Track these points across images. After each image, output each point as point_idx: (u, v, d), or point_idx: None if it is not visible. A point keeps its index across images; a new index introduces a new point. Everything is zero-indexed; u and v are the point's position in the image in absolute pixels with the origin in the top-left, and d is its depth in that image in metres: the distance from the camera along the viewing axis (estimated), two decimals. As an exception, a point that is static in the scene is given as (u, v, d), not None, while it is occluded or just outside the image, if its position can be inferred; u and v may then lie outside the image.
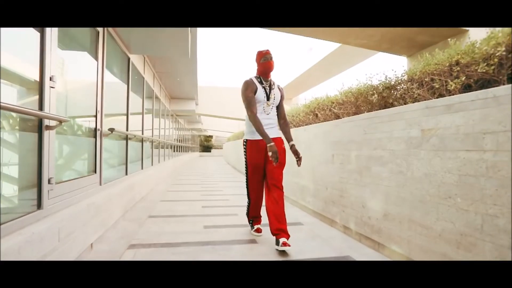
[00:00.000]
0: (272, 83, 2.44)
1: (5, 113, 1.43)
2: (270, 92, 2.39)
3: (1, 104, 1.20)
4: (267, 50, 2.37)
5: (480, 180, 1.36)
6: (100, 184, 2.74)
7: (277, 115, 2.50)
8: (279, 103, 2.49)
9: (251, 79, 2.39)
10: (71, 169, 2.41)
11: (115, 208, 2.86)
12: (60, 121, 1.74)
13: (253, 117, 2.27)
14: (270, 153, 2.19)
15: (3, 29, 1.32)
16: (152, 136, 6.08)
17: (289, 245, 2.07)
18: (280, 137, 2.47)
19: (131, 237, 2.46)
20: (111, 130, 2.93)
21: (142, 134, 5.05)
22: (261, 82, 2.38)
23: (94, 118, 2.68)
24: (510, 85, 1.28)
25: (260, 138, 2.31)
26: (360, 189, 2.37)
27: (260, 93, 2.34)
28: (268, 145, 2.20)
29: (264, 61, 2.35)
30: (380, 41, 7.87)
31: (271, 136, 2.33)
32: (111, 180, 3.14)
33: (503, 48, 1.46)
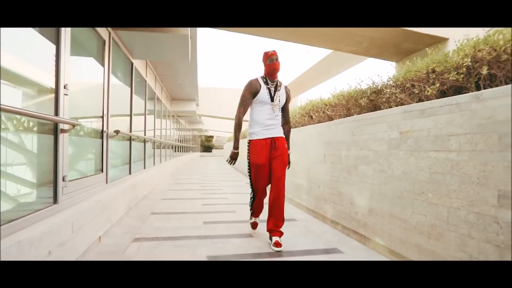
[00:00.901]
0: (278, 84, 2.43)
1: (26, 119, 1.62)
2: (275, 93, 2.39)
3: (25, 111, 1.38)
4: (273, 51, 2.35)
5: (446, 177, 1.53)
6: (107, 183, 2.92)
7: (282, 117, 2.51)
8: (284, 105, 2.49)
9: (256, 79, 2.41)
10: (81, 168, 2.59)
11: (119, 206, 3.04)
12: (73, 125, 1.93)
13: (237, 118, 2.43)
14: (228, 158, 2.45)
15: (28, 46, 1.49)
16: (154, 137, 6.27)
17: (281, 245, 2.21)
18: (283, 137, 2.47)
19: (135, 232, 2.64)
20: (117, 132, 3.11)
21: (145, 135, 5.24)
22: (266, 83, 2.38)
23: (101, 121, 2.87)
24: (471, 93, 1.45)
25: (263, 137, 2.36)
26: (349, 187, 2.54)
27: (264, 94, 2.35)
28: (232, 150, 2.45)
29: (270, 62, 2.34)
30: (369, 47, 8.12)
31: (274, 136, 2.39)
32: (116, 179, 3.33)
33: (469, 59, 1.63)
